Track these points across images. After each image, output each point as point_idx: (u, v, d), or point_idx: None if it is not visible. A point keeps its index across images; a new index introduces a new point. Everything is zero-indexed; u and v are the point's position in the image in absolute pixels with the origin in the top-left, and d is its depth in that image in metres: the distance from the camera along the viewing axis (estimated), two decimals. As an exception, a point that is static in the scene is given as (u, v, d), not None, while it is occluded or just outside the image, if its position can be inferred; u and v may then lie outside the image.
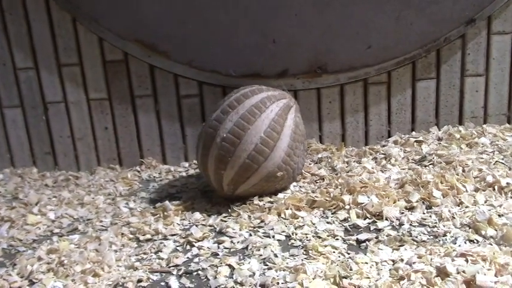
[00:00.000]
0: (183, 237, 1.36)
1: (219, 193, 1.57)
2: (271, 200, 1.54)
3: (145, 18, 1.86)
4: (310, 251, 1.19)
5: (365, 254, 1.16)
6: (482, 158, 1.61)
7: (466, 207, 1.32)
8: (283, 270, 1.13)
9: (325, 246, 1.22)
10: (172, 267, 1.21)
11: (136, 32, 1.88)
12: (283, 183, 1.57)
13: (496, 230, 1.18)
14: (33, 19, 1.91)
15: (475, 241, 1.16)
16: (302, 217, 1.40)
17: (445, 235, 1.20)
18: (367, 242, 1.22)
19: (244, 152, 1.46)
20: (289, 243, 1.27)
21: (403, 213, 1.34)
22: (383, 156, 1.78)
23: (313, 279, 1.06)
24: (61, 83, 1.97)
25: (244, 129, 1.47)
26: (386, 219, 1.32)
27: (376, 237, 1.24)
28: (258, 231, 1.35)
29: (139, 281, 1.15)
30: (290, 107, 1.56)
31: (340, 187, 1.53)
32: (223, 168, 1.49)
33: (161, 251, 1.29)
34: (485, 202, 1.33)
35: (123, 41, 1.89)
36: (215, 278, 1.13)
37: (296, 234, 1.31)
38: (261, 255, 1.21)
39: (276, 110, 1.51)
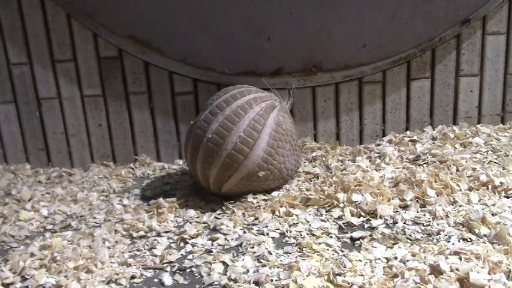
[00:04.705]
0: (177, 234, 1.36)
1: (209, 191, 1.58)
2: (265, 197, 1.54)
3: (140, 14, 1.85)
4: (304, 249, 1.19)
5: (359, 252, 1.17)
6: (476, 158, 1.62)
7: (460, 206, 1.32)
8: (277, 267, 1.13)
9: (319, 243, 1.22)
10: (166, 264, 1.21)
11: (130, 29, 1.87)
12: (270, 184, 1.56)
13: (490, 229, 1.18)
14: (27, 14, 1.90)
15: (469, 239, 1.16)
16: (296, 215, 1.40)
17: (438, 233, 1.21)
18: (361, 239, 1.23)
19: (226, 151, 1.46)
20: (283, 240, 1.27)
21: (397, 211, 1.34)
22: (377, 155, 1.78)
23: (307, 276, 1.06)
24: (55, 78, 1.96)
25: (228, 130, 1.47)
26: (380, 218, 1.32)
27: (370, 235, 1.24)
28: (252, 229, 1.35)
29: (133, 277, 1.15)
30: (274, 107, 1.55)
31: (334, 185, 1.53)
32: (208, 168, 1.49)
33: (155, 248, 1.29)
34: (479, 201, 1.34)
35: (117, 37, 1.88)
36: (209, 275, 1.13)
37: (290, 231, 1.31)
38: (255, 252, 1.21)
39: (258, 110, 1.51)
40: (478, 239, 1.16)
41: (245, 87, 1.60)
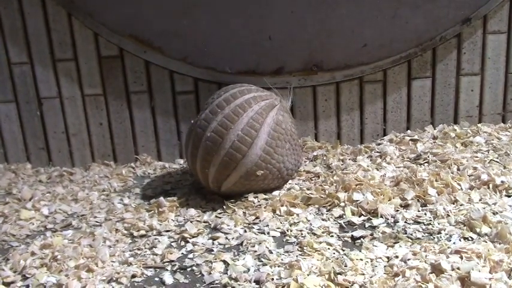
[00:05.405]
0: (178, 233, 1.36)
1: (209, 190, 1.58)
2: (266, 197, 1.54)
3: (141, 13, 1.85)
4: (305, 248, 1.19)
5: (360, 251, 1.16)
6: (477, 157, 1.62)
7: (461, 205, 1.32)
8: (278, 266, 1.13)
9: (320, 242, 1.21)
10: (167, 263, 1.21)
11: (131, 28, 1.87)
12: (270, 183, 1.56)
13: (491, 228, 1.18)
14: (28, 13, 1.90)
15: (470, 238, 1.16)
16: (297, 214, 1.39)
17: (439, 232, 1.20)
18: (362, 238, 1.23)
19: (224, 150, 1.46)
20: (284, 239, 1.27)
21: (398, 210, 1.34)
22: (378, 154, 1.78)
23: (308, 275, 1.06)
24: (56, 78, 1.96)
25: (227, 129, 1.47)
26: (381, 217, 1.32)
27: (371, 234, 1.24)
28: (253, 228, 1.35)
29: (134, 276, 1.15)
30: (273, 106, 1.55)
31: (335, 184, 1.53)
32: (207, 167, 1.49)
33: (155, 247, 1.28)
34: (480, 200, 1.34)
35: (118, 37, 1.88)
36: (209, 273, 1.13)
37: (291, 230, 1.31)
38: (255, 251, 1.21)
39: (257, 109, 1.51)
40: (479, 238, 1.16)
41: (245, 86, 1.60)
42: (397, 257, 1.11)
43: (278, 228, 1.33)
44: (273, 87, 1.70)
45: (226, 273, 1.13)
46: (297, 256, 1.16)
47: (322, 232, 1.28)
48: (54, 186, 1.81)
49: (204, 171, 1.50)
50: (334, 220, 1.35)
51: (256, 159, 1.48)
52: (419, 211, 1.33)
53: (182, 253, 1.25)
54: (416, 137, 1.87)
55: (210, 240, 1.30)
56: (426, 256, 1.08)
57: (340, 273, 1.05)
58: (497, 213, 1.25)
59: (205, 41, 1.87)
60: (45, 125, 2.01)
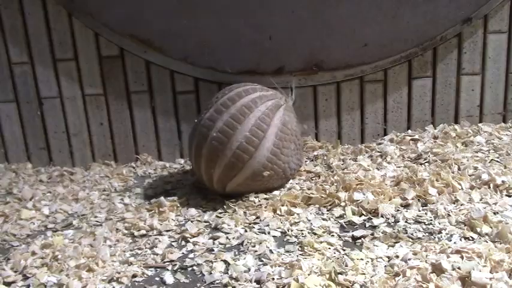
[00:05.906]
0: (178, 233, 1.36)
1: (211, 191, 1.58)
2: (267, 196, 1.54)
3: (141, 13, 1.85)
4: (305, 247, 1.19)
5: (360, 251, 1.16)
6: (477, 157, 1.62)
7: (462, 204, 1.32)
8: (279, 266, 1.12)
9: (321, 242, 1.21)
10: (167, 263, 1.21)
11: (131, 28, 1.87)
12: (274, 183, 1.56)
13: (491, 228, 1.18)
14: (29, 13, 1.90)
15: (470, 238, 1.16)
16: (297, 214, 1.39)
17: (440, 232, 1.20)
18: (362, 238, 1.23)
19: (230, 151, 1.46)
20: (285, 239, 1.27)
21: (398, 210, 1.34)
22: (379, 154, 1.78)
23: (309, 275, 1.06)
24: (56, 78, 1.96)
25: (233, 129, 1.46)
26: (381, 216, 1.32)
27: (372, 234, 1.24)
28: (254, 228, 1.35)
29: (134, 276, 1.15)
30: (279, 106, 1.54)
31: (335, 184, 1.53)
32: (212, 167, 1.49)
33: (156, 247, 1.28)
34: (481, 200, 1.34)
35: (118, 37, 1.88)
36: (210, 273, 1.13)
37: (291, 230, 1.30)
38: (256, 251, 1.21)
39: (263, 109, 1.50)
40: (480, 238, 1.16)
41: (250, 85, 1.59)
42: (397, 256, 1.11)
43: (279, 228, 1.33)
44: (278, 87, 1.69)
45: (227, 273, 1.13)
46: (297, 256, 1.16)
47: (323, 232, 1.28)
48: (55, 186, 1.81)
49: (209, 172, 1.50)
50: (335, 220, 1.35)
51: (263, 161, 1.48)
52: (419, 211, 1.33)
53: (183, 253, 1.25)
54: (416, 136, 1.87)
55: (211, 240, 1.30)
56: (427, 256, 1.08)
57: (340, 273, 1.05)
58: (497, 213, 1.25)
59: (205, 40, 1.87)
60: (46, 125, 2.01)
